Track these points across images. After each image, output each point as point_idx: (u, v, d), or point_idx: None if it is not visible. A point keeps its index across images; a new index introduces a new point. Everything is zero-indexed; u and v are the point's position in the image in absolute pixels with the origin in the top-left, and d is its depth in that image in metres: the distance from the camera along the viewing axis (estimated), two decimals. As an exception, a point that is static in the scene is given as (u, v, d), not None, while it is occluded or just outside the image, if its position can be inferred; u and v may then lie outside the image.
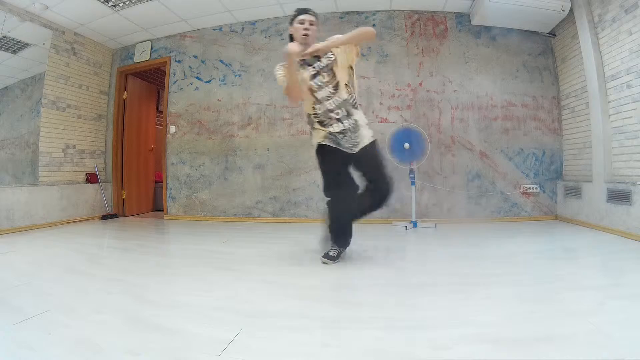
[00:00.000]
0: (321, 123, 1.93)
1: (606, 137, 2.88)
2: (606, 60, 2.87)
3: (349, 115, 1.91)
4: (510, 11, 3.19)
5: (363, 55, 3.77)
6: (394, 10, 3.78)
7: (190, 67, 4.20)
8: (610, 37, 2.79)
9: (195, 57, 4.19)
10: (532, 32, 3.57)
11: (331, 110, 1.90)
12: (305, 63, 1.91)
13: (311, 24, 1.88)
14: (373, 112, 3.69)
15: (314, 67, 1.90)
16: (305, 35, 1.86)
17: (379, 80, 3.73)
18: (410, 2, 3.64)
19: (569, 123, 3.45)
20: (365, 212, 2.04)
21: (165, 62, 4.29)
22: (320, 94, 1.90)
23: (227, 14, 3.89)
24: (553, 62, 3.61)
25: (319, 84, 1.89)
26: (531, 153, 3.58)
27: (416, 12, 3.75)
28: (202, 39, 4.18)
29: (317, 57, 1.89)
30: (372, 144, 1.96)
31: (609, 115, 2.87)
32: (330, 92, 1.90)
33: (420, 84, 3.68)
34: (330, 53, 1.89)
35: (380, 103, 3.72)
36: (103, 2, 3.44)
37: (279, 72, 1.91)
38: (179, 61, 4.24)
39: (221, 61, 4.11)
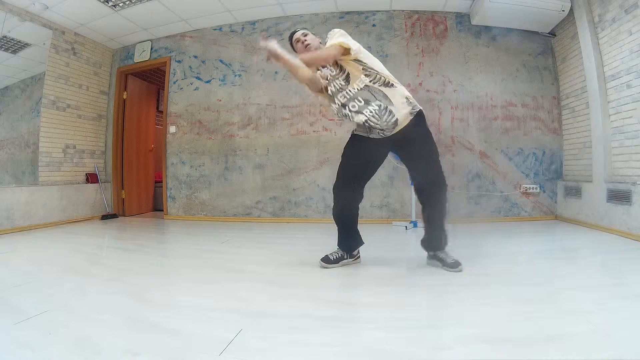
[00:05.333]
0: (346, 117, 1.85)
1: (606, 137, 2.88)
2: (606, 60, 2.87)
3: (368, 102, 1.79)
4: (510, 11, 3.19)
5: (363, 55, 3.77)
6: (394, 10, 3.77)
7: (190, 67, 4.20)
8: (610, 37, 2.79)
9: (195, 57, 4.19)
10: (532, 32, 3.57)
11: (344, 105, 1.80)
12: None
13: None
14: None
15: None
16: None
17: (379, 80, 3.72)
18: (410, 2, 3.64)
19: (569, 123, 3.45)
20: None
21: (165, 62, 4.29)
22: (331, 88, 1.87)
23: (227, 14, 3.89)
24: (553, 62, 3.61)
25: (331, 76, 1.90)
26: (531, 153, 3.58)
27: (416, 12, 3.75)
28: (202, 39, 4.18)
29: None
30: (412, 123, 1.78)
31: (609, 115, 2.87)
32: (341, 84, 1.84)
33: (420, 84, 3.68)
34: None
35: (380, 103, 3.72)
36: (103, 2, 3.44)
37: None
38: (179, 61, 4.24)
39: (221, 61, 4.11)
